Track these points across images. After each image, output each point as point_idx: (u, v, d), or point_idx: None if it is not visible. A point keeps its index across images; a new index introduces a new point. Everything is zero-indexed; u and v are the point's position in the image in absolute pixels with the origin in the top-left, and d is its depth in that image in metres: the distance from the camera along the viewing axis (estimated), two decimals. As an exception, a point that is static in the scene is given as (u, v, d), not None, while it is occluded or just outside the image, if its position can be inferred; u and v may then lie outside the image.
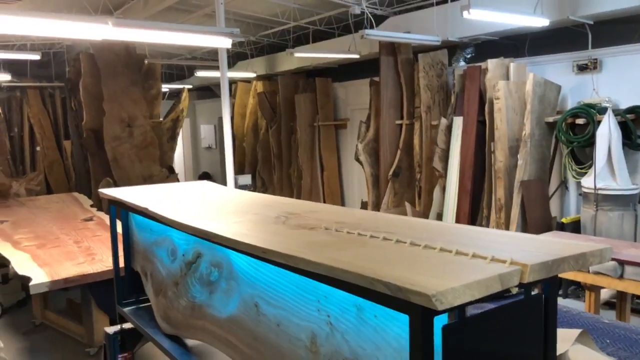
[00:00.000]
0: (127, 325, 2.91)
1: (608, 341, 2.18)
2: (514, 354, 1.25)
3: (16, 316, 5.30)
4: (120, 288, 2.92)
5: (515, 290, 1.15)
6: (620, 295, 3.54)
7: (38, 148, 10.36)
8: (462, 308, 1.20)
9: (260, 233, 1.68)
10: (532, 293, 1.32)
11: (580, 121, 5.09)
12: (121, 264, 2.93)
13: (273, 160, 9.35)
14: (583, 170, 5.12)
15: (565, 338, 1.99)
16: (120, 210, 2.81)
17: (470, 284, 1.04)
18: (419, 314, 1.05)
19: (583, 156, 5.28)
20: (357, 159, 7.07)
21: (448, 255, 1.26)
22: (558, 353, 1.68)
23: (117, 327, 2.91)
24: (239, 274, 1.92)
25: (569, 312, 2.56)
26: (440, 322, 1.11)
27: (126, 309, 2.87)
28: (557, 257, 1.20)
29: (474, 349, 1.16)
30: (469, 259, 1.22)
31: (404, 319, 1.20)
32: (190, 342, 2.43)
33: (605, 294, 4.63)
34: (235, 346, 1.95)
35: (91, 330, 4.36)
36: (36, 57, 6.59)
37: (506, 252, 1.22)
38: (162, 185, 3.20)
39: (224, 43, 4.94)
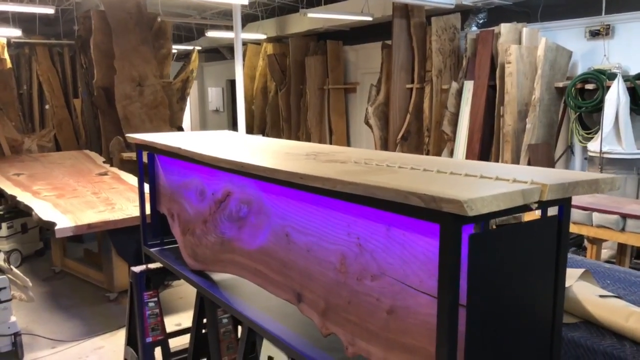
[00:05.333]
0: (152, 266, 3.08)
1: (608, 282, 2.34)
2: (529, 268, 1.39)
3: (36, 264, 5.51)
4: (146, 230, 3.07)
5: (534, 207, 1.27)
6: (620, 249, 3.70)
7: (47, 106, 10.42)
8: (486, 222, 1.34)
9: (294, 165, 1.81)
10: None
11: (589, 87, 5.16)
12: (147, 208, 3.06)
13: (282, 123, 9.43)
14: (589, 135, 5.22)
15: (570, 275, 2.14)
16: (148, 154, 2.94)
17: (497, 195, 1.17)
18: (451, 222, 1.19)
19: (590, 121, 5.38)
20: (367, 122, 7.16)
21: (473, 178, 1.40)
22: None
23: (143, 267, 3.07)
24: (270, 208, 2.05)
25: (572, 259, 2.71)
26: (466, 233, 1.25)
27: (153, 250, 3.03)
28: (572, 180, 1.34)
29: (495, 259, 1.30)
30: (494, 180, 1.35)
31: (432, 233, 1.34)
32: (216, 276, 2.59)
33: (605, 255, 4.81)
34: (264, 275, 2.11)
35: (111, 276, 4.56)
36: (50, 11, 6.61)
37: (527, 176, 1.35)
38: (185, 132, 3.32)
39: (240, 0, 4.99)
